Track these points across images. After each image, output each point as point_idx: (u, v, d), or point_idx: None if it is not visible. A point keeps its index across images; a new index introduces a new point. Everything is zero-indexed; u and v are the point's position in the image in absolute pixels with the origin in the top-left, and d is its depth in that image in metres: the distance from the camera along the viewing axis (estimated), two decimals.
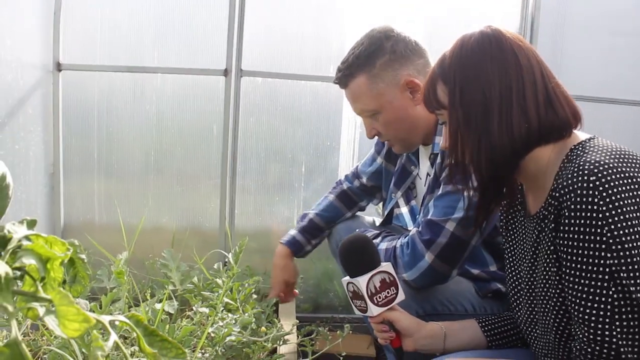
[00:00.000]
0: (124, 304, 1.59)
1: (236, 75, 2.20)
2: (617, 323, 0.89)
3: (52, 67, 2.13)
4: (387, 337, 1.23)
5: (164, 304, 1.50)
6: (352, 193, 1.92)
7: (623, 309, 0.89)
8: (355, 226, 1.75)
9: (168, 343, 0.58)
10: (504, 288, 1.46)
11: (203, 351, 1.44)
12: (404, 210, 1.74)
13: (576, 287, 0.93)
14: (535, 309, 1.09)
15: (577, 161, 0.94)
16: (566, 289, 0.95)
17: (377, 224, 1.85)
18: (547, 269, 1.01)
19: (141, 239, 2.05)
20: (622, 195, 0.89)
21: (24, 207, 2.01)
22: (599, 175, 0.90)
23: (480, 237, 1.40)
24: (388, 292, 1.20)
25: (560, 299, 0.99)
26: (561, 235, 0.94)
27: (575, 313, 0.94)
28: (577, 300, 0.93)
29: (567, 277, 0.94)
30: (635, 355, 0.89)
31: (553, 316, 1.02)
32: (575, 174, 0.92)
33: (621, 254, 0.88)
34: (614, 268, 0.88)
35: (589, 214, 0.89)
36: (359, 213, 1.97)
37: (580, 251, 0.91)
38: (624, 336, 0.89)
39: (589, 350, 0.92)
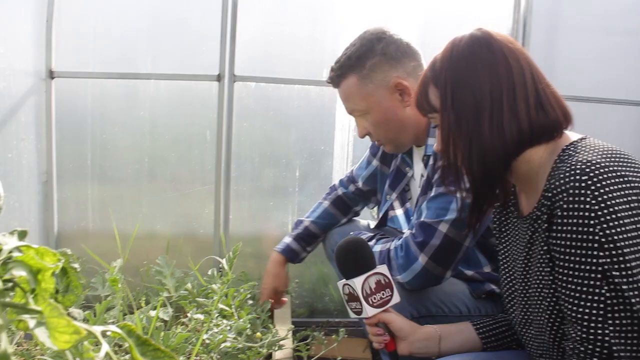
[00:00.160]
0: (118, 312, 1.59)
1: (229, 81, 2.20)
2: (610, 322, 0.89)
3: (44, 75, 2.13)
4: (381, 341, 1.23)
5: (158, 311, 1.50)
6: (347, 198, 1.93)
7: (616, 308, 0.89)
8: (349, 230, 1.75)
9: (161, 352, 0.58)
10: (498, 289, 1.47)
11: (198, 358, 1.43)
12: (399, 212, 1.75)
13: (569, 286, 0.93)
14: (529, 310, 1.09)
15: (569, 161, 0.95)
16: (559, 289, 0.96)
17: (372, 227, 1.85)
18: (541, 269, 1.01)
19: (135, 246, 2.04)
20: (614, 195, 0.89)
21: (17, 215, 2.01)
22: (591, 174, 0.90)
23: (474, 239, 1.40)
24: (383, 294, 1.20)
25: (554, 299, 1.00)
26: (554, 235, 0.94)
27: (569, 312, 0.94)
28: (570, 300, 0.93)
29: (560, 277, 0.95)
30: (628, 354, 0.89)
31: (547, 316, 1.02)
32: (567, 174, 0.92)
33: (613, 252, 0.88)
34: (606, 267, 0.89)
35: (581, 214, 0.90)
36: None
37: (572, 250, 0.91)
38: (616, 335, 0.89)
39: (582, 349, 0.92)
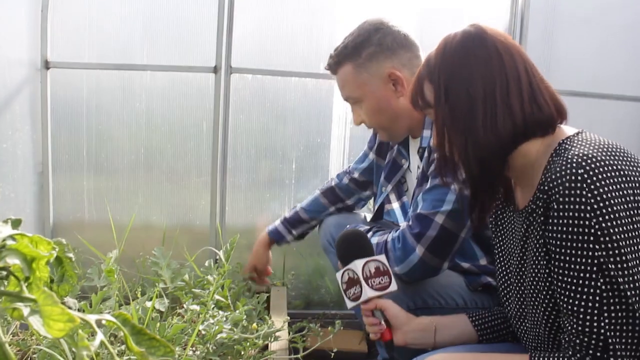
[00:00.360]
0: (114, 303, 1.59)
1: (226, 72, 2.19)
2: (606, 314, 0.90)
3: (40, 65, 2.11)
4: (377, 331, 1.23)
5: (154, 302, 1.50)
6: (338, 189, 1.98)
7: (611, 301, 0.90)
8: (345, 222, 1.75)
9: (156, 341, 0.58)
10: (494, 282, 1.48)
11: (194, 349, 1.43)
12: (395, 205, 1.75)
13: (565, 279, 0.94)
14: (525, 303, 1.10)
15: (566, 155, 0.95)
16: (555, 282, 0.96)
17: (368, 220, 1.86)
18: (536, 262, 1.02)
19: (131, 236, 2.04)
20: (610, 188, 0.90)
21: (13, 206, 2.00)
22: (587, 168, 0.91)
23: (470, 230, 1.41)
24: (382, 279, 1.25)
25: (550, 292, 1.00)
26: (550, 228, 0.95)
27: (564, 305, 0.95)
28: (566, 293, 0.94)
29: (555, 270, 0.95)
30: (623, 347, 0.90)
31: (542, 309, 1.03)
32: (563, 168, 0.93)
33: (609, 245, 0.89)
34: (602, 260, 0.89)
35: (577, 207, 0.90)
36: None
37: (568, 243, 0.92)
38: (611, 327, 0.90)
39: (578, 342, 0.93)
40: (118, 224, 2.10)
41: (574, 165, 0.92)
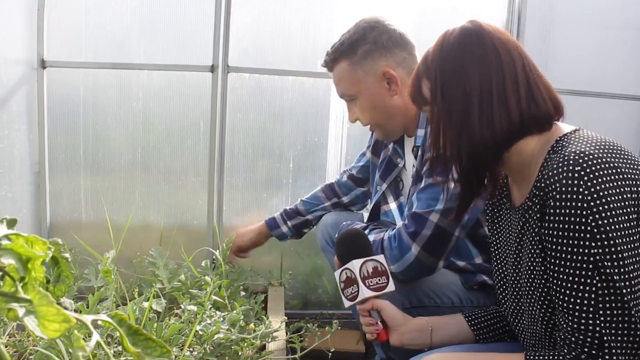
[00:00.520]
0: (111, 303, 1.58)
1: (223, 71, 2.19)
2: (601, 312, 0.90)
3: (36, 64, 2.11)
4: (373, 331, 1.23)
5: (151, 302, 1.49)
6: (337, 186, 2.02)
7: (607, 298, 0.90)
8: (342, 220, 1.75)
9: (152, 342, 0.58)
10: (489, 280, 1.48)
11: (191, 349, 1.43)
12: (393, 206, 1.75)
13: (561, 276, 0.94)
14: (521, 300, 1.10)
15: (562, 152, 0.95)
16: (551, 279, 0.96)
17: (365, 219, 1.86)
18: (532, 259, 1.02)
19: (128, 237, 2.03)
20: (607, 186, 0.90)
21: (9, 206, 1.99)
22: (584, 165, 0.91)
23: (465, 229, 1.41)
24: (379, 280, 1.24)
25: (546, 290, 1.00)
26: (546, 225, 0.95)
27: (560, 303, 0.95)
28: (562, 290, 0.94)
29: (551, 267, 0.95)
30: (619, 344, 0.90)
31: (539, 307, 1.03)
32: (560, 165, 0.93)
33: (605, 243, 0.89)
34: (598, 257, 0.89)
35: (574, 204, 0.90)
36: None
37: (565, 241, 0.92)
38: (607, 325, 0.90)
39: (574, 339, 0.93)
40: (115, 223, 2.10)
41: (571, 162, 0.92)
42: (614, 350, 0.90)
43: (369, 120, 1.61)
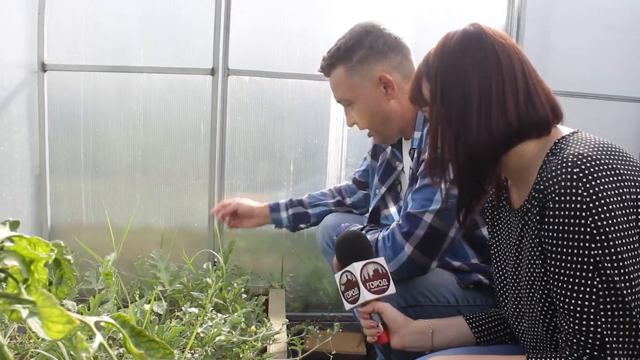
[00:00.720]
0: (112, 306, 1.58)
1: (223, 74, 2.19)
2: (602, 313, 0.90)
3: (36, 68, 2.11)
4: (374, 333, 1.23)
5: (152, 304, 1.50)
6: (342, 187, 2.04)
7: (608, 299, 0.90)
8: (343, 222, 1.76)
9: (155, 343, 0.58)
10: (485, 279, 1.49)
11: (192, 351, 1.43)
12: (393, 210, 1.75)
13: (561, 278, 0.94)
14: (522, 302, 1.10)
15: (561, 154, 0.95)
16: (551, 281, 0.96)
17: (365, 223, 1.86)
18: (532, 261, 1.02)
19: (129, 239, 2.03)
20: (605, 187, 0.90)
21: (10, 208, 1.99)
22: (583, 167, 0.91)
23: (460, 230, 1.42)
24: (380, 282, 1.24)
25: (546, 292, 1.00)
26: (546, 227, 0.95)
27: (560, 304, 0.95)
28: (562, 292, 0.94)
29: (551, 269, 0.95)
30: (620, 345, 0.90)
31: (539, 309, 1.03)
32: (559, 167, 0.93)
33: (605, 244, 0.89)
34: (598, 259, 0.89)
35: (573, 206, 0.90)
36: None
37: (564, 242, 0.92)
38: (608, 326, 0.90)
39: (575, 341, 0.93)
40: (116, 226, 2.10)
41: (570, 164, 0.92)
42: (615, 351, 0.90)
43: (367, 125, 1.61)
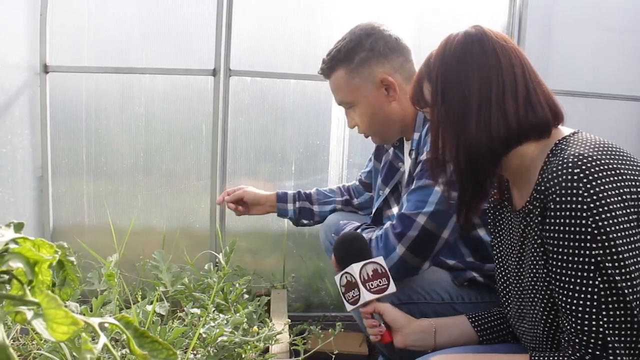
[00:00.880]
0: (115, 307, 1.58)
1: (225, 75, 2.20)
2: (604, 313, 0.90)
3: (39, 69, 2.12)
4: (377, 333, 1.24)
5: (154, 305, 1.50)
6: (350, 187, 2.06)
7: (609, 299, 0.90)
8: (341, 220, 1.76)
9: (158, 344, 0.58)
10: (479, 277, 1.49)
11: (195, 352, 1.43)
12: (396, 210, 1.75)
13: (563, 278, 0.94)
14: (524, 303, 1.10)
15: (562, 155, 0.96)
16: (553, 282, 0.97)
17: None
18: (534, 262, 1.02)
19: (131, 240, 2.04)
20: (606, 187, 0.90)
21: (12, 210, 2.00)
22: (583, 167, 0.91)
23: (455, 232, 1.42)
24: (380, 282, 1.24)
25: (548, 292, 1.01)
26: (547, 228, 0.95)
27: (562, 304, 0.95)
28: (564, 292, 0.94)
29: (553, 269, 0.96)
30: (622, 345, 0.90)
31: (541, 309, 1.03)
32: (560, 168, 0.93)
33: (606, 244, 0.89)
34: (599, 258, 0.90)
35: (574, 206, 0.90)
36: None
37: (566, 242, 0.92)
38: (610, 326, 0.90)
39: (577, 341, 0.93)
40: (118, 227, 2.10)
41: (570, 164, 0.92)
42: (617, 351, 0.90)
43: (368, 126, 1.61)
